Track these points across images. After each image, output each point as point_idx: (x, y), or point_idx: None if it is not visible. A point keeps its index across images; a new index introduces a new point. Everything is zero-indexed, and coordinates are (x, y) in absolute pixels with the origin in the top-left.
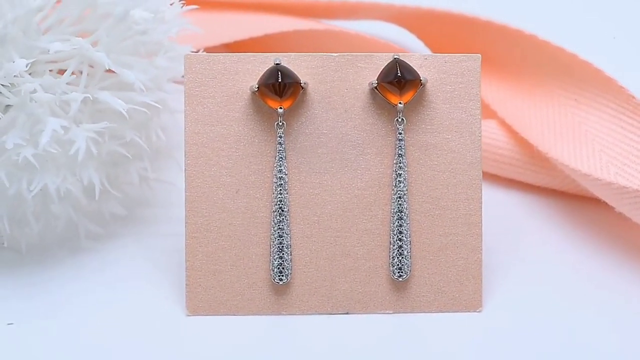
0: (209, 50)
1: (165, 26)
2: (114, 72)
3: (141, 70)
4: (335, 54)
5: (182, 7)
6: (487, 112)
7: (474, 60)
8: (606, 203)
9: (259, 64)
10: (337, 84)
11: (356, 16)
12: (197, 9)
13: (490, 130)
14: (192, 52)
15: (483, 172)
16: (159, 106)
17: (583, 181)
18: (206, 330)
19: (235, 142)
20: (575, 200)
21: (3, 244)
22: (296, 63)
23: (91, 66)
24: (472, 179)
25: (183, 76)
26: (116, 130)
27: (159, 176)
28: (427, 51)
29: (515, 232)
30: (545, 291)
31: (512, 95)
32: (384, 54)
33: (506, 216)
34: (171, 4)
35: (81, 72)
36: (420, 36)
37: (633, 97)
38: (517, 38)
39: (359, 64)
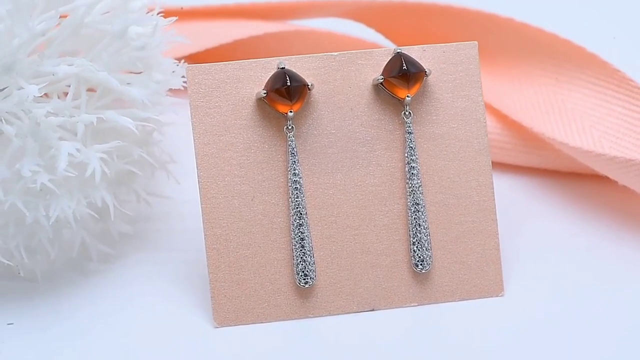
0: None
1: (157, 39)
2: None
3: (142, 86)
4: (335, 53)
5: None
6: None
7: (471, 47)
8: (600, 177)
9: (261, 70)
10: (339, 83)
11: (313, 14)
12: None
13: None
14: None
15: None
16: (163, 120)
17: (583, 158)
18: (237, 340)
19: (246, 150)
20: (570, 178)
21: (19, 273)
22: (297, 65)
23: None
24: (482, 166)
25: (184, 87)
26: (122, 148)
27: (153, 190)
28: (389, 45)
29: (515, 214)
30: (562, 270)
31: (493, 80)
32: (382, 49)
33: (503, 199)
34: (149, 13)
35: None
36: (380, 30)
37: (618, 71)
38: (490, 23)
39: (359, 62)
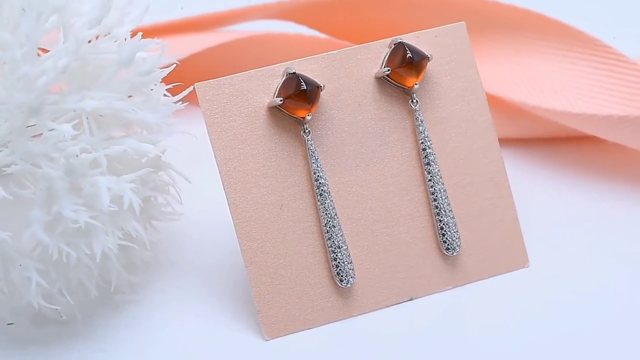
0: None
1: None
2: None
3: (152, 110)
4: (335, 52)
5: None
6: None
7: (460, 28)
8: (583, 138)
9: (268, 78)
10: (344, 81)
11: (248, 18)
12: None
13: None
14: None
15: None
16: (176, 144)
17: (568, 122)
18: (291, 350)
19: (266, 160)
20: (552, 143)
21: (61, 317)
22: (301, 68)
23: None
24: (490, 142)
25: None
26: (144, 175)
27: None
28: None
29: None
30: (577, 235)
31: None
32: (379, 42)
33: None
34: (132, 36)
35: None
36: (314, 26)
37: (580, 32)
38: (438, 3)
39: (359, 56)
